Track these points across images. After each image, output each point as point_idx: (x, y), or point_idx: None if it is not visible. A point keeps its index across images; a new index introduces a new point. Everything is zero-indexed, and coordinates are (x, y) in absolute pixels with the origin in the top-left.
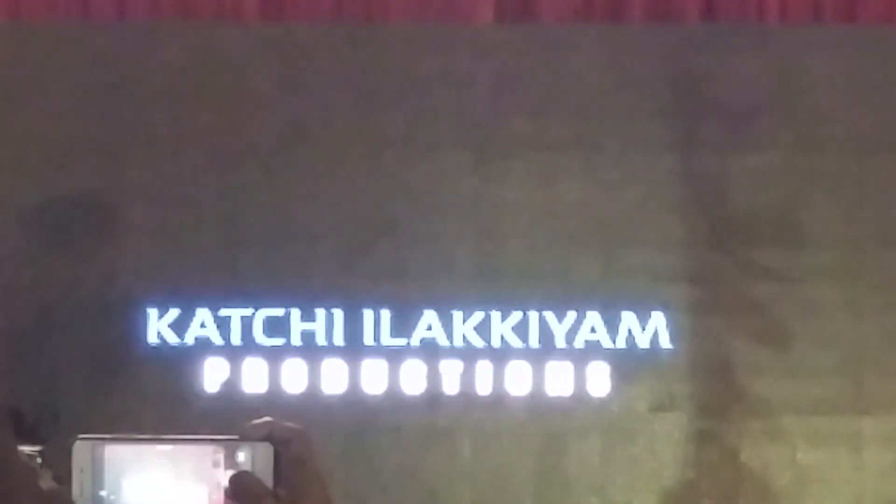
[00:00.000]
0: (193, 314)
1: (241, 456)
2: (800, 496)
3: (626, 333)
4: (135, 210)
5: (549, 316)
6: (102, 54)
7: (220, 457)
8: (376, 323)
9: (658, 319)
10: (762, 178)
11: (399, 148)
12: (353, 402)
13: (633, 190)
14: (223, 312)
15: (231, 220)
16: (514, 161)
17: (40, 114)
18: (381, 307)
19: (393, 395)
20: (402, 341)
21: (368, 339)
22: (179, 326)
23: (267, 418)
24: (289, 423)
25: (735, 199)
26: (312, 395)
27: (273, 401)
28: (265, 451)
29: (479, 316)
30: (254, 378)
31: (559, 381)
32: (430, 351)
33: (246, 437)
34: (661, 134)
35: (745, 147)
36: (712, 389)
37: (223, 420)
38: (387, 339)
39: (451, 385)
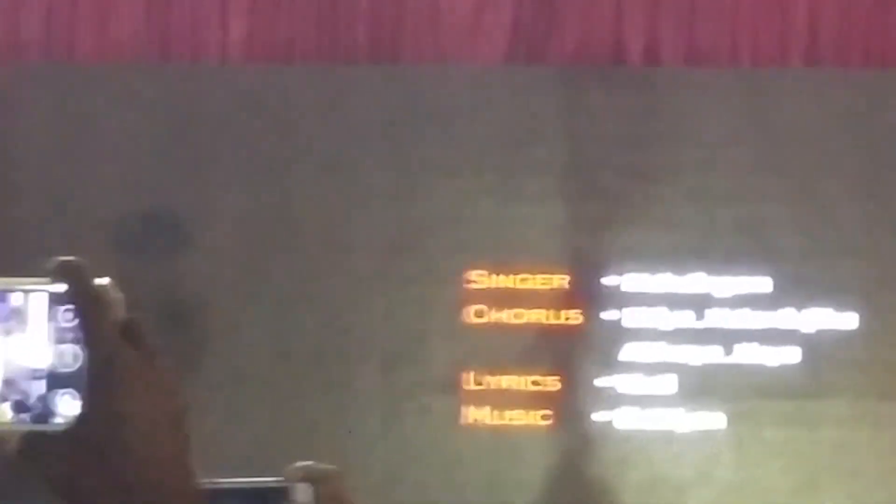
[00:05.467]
0: None
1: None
2: None
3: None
4: (201, 226)
5: None
6: (178, 93)
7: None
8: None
9: None
10: None
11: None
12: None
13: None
14: None
15: (278, 237)
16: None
17: (121, 140)
18: None
19: None
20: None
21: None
22: None
23: (306, 462)
24: (325, 465)
25: None
26: None
27: None
28: (306, 489)
29: None
30: None
31: None
32: None
33: (289, 480)
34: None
35: None
36: None
37: None
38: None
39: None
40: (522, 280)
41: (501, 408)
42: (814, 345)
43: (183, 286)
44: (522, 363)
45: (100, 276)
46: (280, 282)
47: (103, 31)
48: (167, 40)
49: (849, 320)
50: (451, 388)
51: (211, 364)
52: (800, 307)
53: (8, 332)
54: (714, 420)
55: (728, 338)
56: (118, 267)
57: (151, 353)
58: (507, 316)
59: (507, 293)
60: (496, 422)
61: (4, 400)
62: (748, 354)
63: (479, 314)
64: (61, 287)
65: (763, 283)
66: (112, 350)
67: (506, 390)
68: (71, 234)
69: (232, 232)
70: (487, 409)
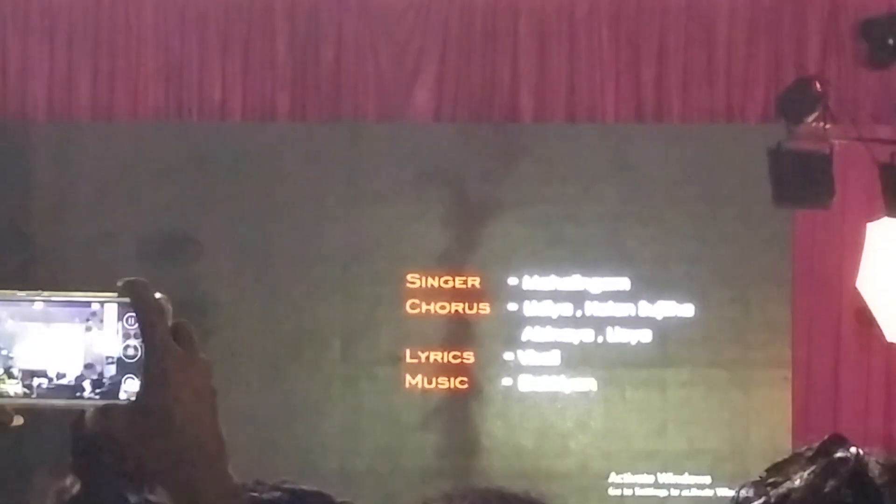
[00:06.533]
0: None
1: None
2: None
3: None
4: (207, 245)
5: None
6: (201, 150)
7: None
8: None
9: None
10: None
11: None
12: None
13: None
14: None
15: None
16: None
17: (147, 184)
18: None
19: None
20: None
21: None
22: None
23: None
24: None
25: None
26: None
27: None
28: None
29: None
30: None
31: None
32: None
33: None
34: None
35: None
36: None
37: None
38: None
39: None
40: (446, 281)
41: (432, 376)
42: (662, 328)
43: (194, 288)
44: (447, 342)
45: (156, 292)
46: (265, 285)
47: (133, 96)
48: (179, 103)
49: (687, 310)
50: (396, 361)
51: (213, 346)
52: (651, 300)
53: (88, 329)
54: (588, 384)
55: (599, 323)
56: (146, 274)
57: (194, 349)
58: (435, 307)
59: (435, 291)
60: (428, 386)
61: (85, 379)
62: (614, 335)
63: (414, 306)
64: (127, 299)
65: (623, 283)
66: (164, 347)
67: (435, 363)
68: (113, 253)
69: (228, 249)
70: (421, 376)
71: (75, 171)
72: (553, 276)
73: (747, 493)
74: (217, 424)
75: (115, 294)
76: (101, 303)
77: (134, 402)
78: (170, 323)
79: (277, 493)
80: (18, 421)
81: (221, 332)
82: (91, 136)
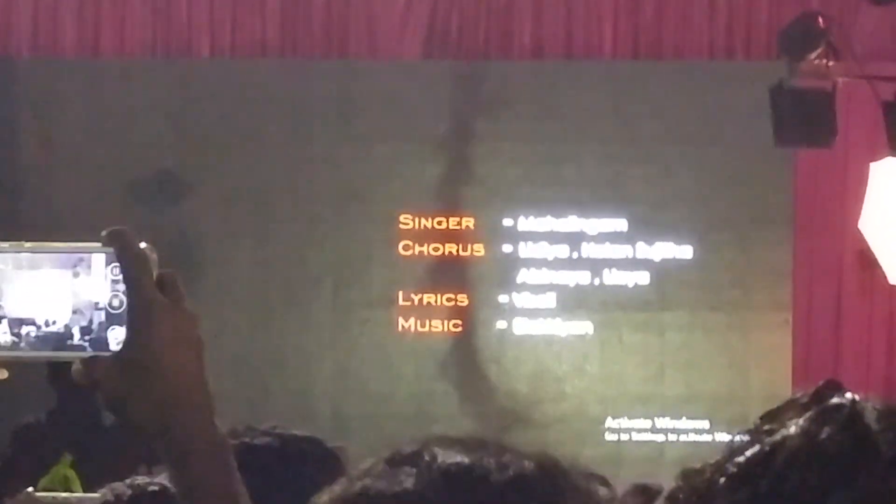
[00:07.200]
0: None
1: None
2: None
3: None
4: (198, 186)
5: None
6: (190, 87)
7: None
8: None
9: None
10: None
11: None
12: None
13: None
14: None
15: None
16: None
17: (135, 122)
18: None
19: None
20: None
21: None
22: None
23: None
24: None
25: None
26: None
27: None
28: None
29: None
30: None
31: None
32: None
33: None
34: None
35: None
36: None
37: None
38: None
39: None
40: (439, 222)
41: (425, 319)
42: (660, 270)
43: (182, 230)
44: (441, 285)
45: (141, 241)
46: (254, 226)
47: (119, 31)
48: (167, 39)
49: (686, 251)
50: (388, 304)
51: (202, 290)
52: (649, 242)
53: (76, 275)
54: (585, 327)
55: (595, 265)
56: (132, 215)
57: (178, 299)
58: (428, 249)
59: (428, 232)
60: (421, 330)
61: (74, 326)
62: (611, 277)
63: (407, 248)
64: (112, 249)
65: (621, 224)
66: (149, 298)
67: (428, 305)
68: (100, 194)
69: (217, 190)
70: (414, 319)
71: (60, 109)
72: (549, 217)
73: (742, 440)
74: (203, 375)
75: (100, 244)
76: (88, 251)
77: (118, 353)
78: (155, 273)
79: (268, 439)
80: (3, 374)
81: (210, 276)
82: (77, 72)
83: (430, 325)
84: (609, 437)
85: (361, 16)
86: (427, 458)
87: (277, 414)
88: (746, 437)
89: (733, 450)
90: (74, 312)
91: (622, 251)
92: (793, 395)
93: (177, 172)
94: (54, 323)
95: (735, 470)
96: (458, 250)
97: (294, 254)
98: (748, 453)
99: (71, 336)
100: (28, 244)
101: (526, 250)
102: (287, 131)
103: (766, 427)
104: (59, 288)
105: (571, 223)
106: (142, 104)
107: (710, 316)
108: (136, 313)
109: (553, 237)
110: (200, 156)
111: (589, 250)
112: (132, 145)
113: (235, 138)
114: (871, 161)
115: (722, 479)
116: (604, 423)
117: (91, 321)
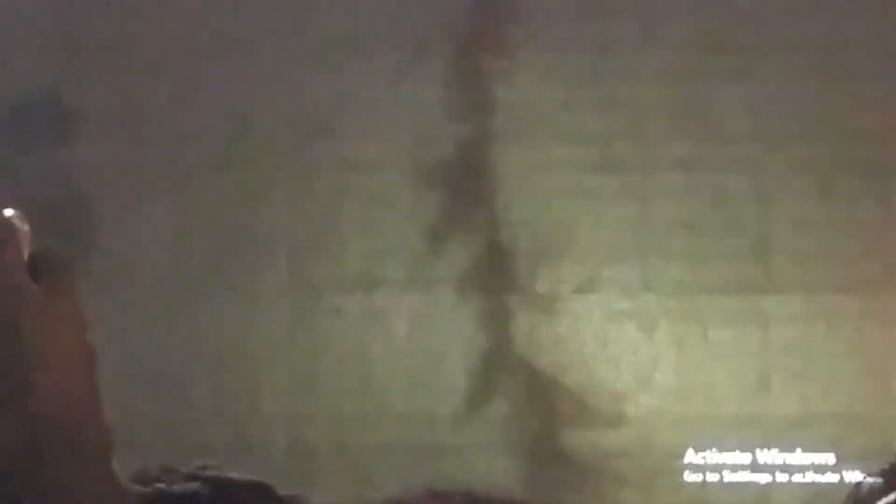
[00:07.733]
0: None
1: None
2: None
3: None
4: (87, 115)
5: None
6: None
7: None
8: None
9: None
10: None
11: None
12: None
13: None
14: None
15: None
16: None
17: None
18: None
19: None
20: None
21: None
22: None
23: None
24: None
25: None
26: None
27: None
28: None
29: None
30: None
31: None
32: None
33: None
34: None
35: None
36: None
37: None
38: None
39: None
40: None
41: None
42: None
43: (69, 183)
44: None
45: (6, 206)
46: (174, 170)
47: None
48: None
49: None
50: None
51: (100, 264)
52: None
53: None
54: (652, 318)
55: None
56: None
57: (59, 287)
58: None
59: None
60: None
61: None
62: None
63: None
64: None
65: None
66: (15, 288)
67: None
68: None
69: (121, 123)
70: None
71: None
72: None
73: (875, 482)
74: (95, 397)
75: None
76: None
77: None
78: (27, 251)
79: (194, 485)
80: None
81: (110, 249)
82: None
83: None
84: (690, 477)
85: None
86: None
87: (209, 445)
88: (881, 479)
89: (865, 495)
90: None
91: None
92: None
93: (63, 96)
94: None
95: None
96: None
97: (233, 215)
98: (886, 501)
99: None
100: None
101: None
102: (229, 36)
103: None
104: None
105: None
106: (14, 7)
107: (835, 300)
108: None
109: None
110: (98, 73)
111: None
112: None
113: (146, 48)
114: None
115: None
116: (682, 457)
117: None
